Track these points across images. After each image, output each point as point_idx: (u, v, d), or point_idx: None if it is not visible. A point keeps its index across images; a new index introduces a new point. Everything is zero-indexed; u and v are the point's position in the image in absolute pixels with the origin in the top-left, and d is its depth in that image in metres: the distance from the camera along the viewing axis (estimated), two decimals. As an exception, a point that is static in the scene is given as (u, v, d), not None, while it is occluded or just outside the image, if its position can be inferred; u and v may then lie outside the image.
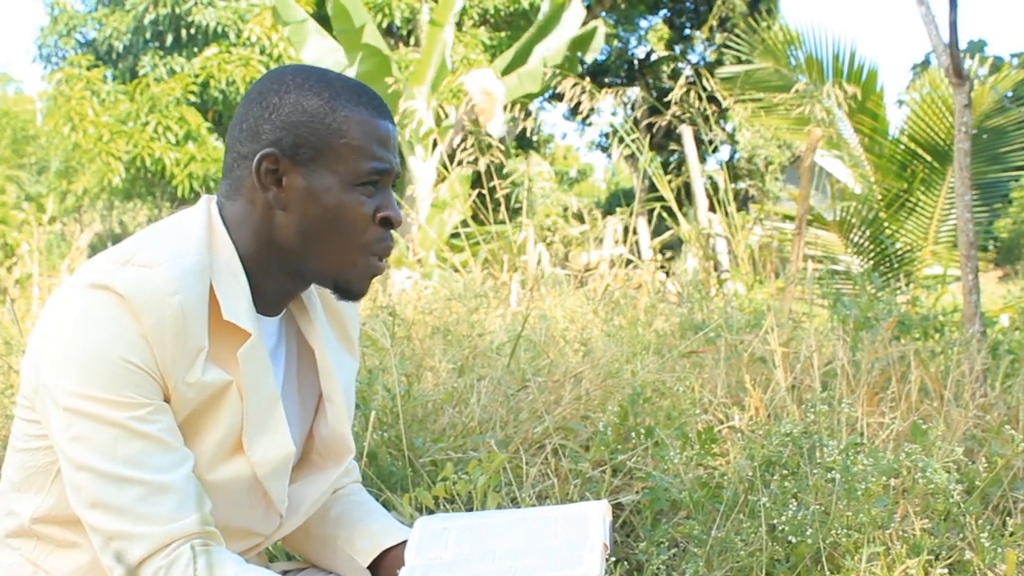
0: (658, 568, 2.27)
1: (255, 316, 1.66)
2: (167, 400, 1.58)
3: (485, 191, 7.61)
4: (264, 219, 1.66)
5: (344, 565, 1.92)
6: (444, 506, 2.53)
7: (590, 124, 23.26)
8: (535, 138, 15.83)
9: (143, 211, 19.46)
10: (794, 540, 2.28)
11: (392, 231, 1.73)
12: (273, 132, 1.64)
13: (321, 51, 11.85)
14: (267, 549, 2.11)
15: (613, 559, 1.77)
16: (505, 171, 11.02)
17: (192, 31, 16.48)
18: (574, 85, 7.44)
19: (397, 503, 2.54)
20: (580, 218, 9.62)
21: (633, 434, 2.86)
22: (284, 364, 1.82)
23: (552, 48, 11.36)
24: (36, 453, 1.67)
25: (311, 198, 1.64)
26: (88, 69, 16.11)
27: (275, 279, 1.71)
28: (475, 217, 9.37)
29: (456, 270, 8.15)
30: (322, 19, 15.79)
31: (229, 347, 1.62)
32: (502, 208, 6.83)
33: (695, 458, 2.60)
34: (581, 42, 11.50)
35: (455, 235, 10.92)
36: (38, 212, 14.94)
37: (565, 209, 11.79)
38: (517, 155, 12.77)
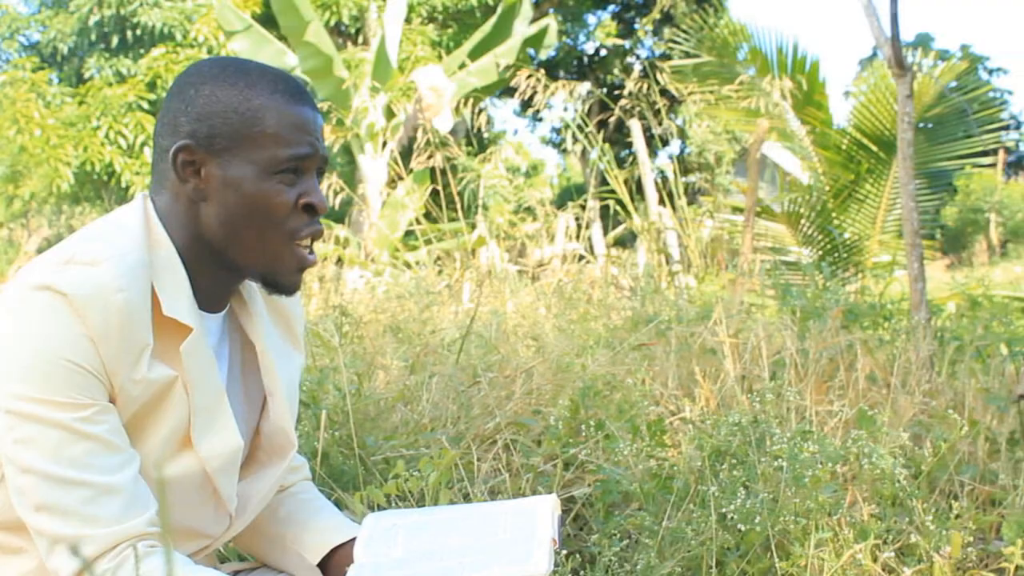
0: (610, 560, 2.28)
1: (196, 311, 1.65)
2: (113, 400, 1.56)
3: (439, 188, 7.60)
4: (189, 212, 1.65)
5: (294, 563, 1.91)
6: (396, 504, 2.53)
7: (541, 119, 23.33)
8: (486, 135, 15.83)
9: (92, 215, 19.25)
10: (743, 528, 2.30)
11: (320, 219, 1.72)
12: (189, 124, 1.63)
13: (267, 55, 11.79)
14: (217, 550, 2.09)
15: (565, 552, 1.78)
16: (458, 168, 11.02)
17: (138, 32, 16.31)
18: (529, 77, 7.45)
19: (349, 502, 2.54)
20: (533, 214, 9.63)
21: (584, 427, 2.87)
22: (228, 361, 1.80)
23: (505, 46, 11.37)
24: (-23, 459, 1.65)
25: (229, 188, 1.63)
26: (33, 72, 15.90)
27: (210, 272, 1.69)
28: (428, 215, 9.35)
29: (409, 267, 8.14)
30: (269, 18, 15.72)
31: (172, 343, 1.61)
32: (456, 206, 6.83)
33: (645, 450, 2.61)
34: (534, 40, 11.52)
35: (409, 233, 10.90)
36: (-15, 217, 14.76)
37: (519, 206, 11.79)
38: (470, 152, 12.76)
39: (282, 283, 1.71)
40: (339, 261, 8.56)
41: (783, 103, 8.27)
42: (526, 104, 8.20)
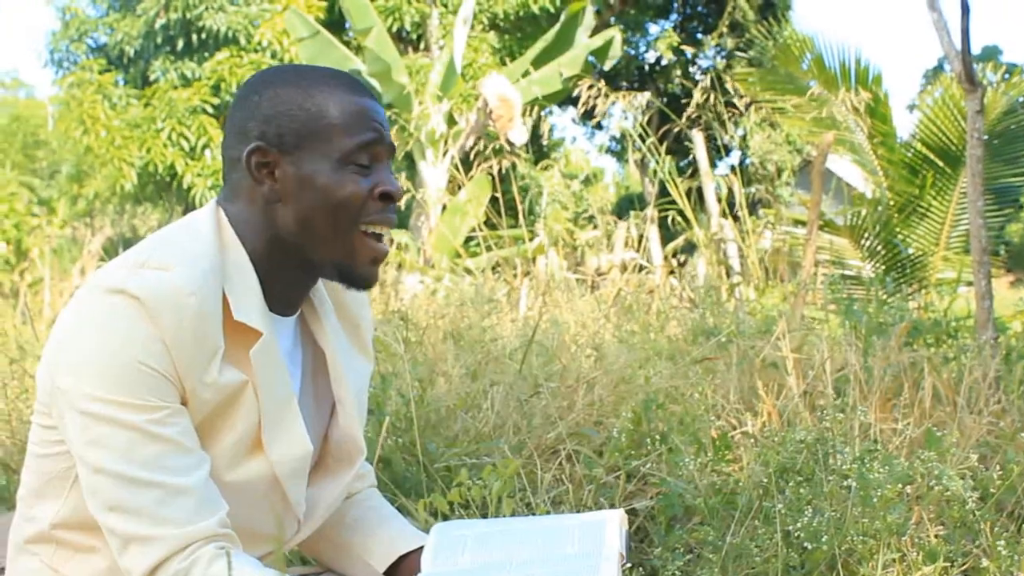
0: (673, 574, 2.27)
1: (267, 315, 1.67)
2: (184, 403, 1.58)
3: (499, 195, 7.61)
4: (265, 215, 1.67)
5: (360, 570, 1.93)
6: (459, 512, 2.54)
7: (600, 128, 23.27)
8: (546, 142, 15.83)
9: (154, 215, 19.50)
10: (809, 547, 2.28)
11: (394, 208, 1.73)
12: (257, 127, 1.65)
13: (332, 60, 11.87)
14: (290, 556, 2.11)
15: (628, 565, 1.77)
16: (518, 175, 11.03)
17: (203, 36, 16.51)
18: (591, 87, 7.45)
19: (412, 509, 2.55)
20: (592, 222, 9.61)
21: (647, 440, 2.86)
22: (301, 366, 1.82)
23: (568, 56, 11.37)
24: (54, 459, 1.68)
25: (305, 184, 1.65)
26: (100, 74, 16.14)
27: (284, 275, 1.71)
28: (488, 222, 9.37)
29: (470, 273, 8.15)
30: (333, 24, 15.85)
31: (243, 347, 1.63)
32: (515, 213, 6.83)
33: (709, 464, 2.60)
34: (598, 51, 11.52)
35: (468, 240, 10.93)
36: (50, 216, 14.99)
37: (577, 214, 11.79)
38: (528, 160, 12.75)
39: (358, 275, 1.73)
40: (399, 266, 8.60)
41: (847, 115, 8.20)
42: (587, 113, 8.20)
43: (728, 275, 7.19)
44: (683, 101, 7.24)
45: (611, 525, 1.76)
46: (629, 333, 4.76)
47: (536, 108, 9.28)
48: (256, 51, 16.18)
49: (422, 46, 16.99)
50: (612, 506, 2.72)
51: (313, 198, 1.65)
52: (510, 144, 8.76)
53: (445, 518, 2.44)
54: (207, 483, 1.59)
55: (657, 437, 2.83)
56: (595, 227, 9.60)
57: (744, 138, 12.40)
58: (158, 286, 1.54)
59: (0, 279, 11.97)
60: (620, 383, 3.53)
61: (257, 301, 1.66)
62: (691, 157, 9.79)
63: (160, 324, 1.53)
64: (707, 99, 7.38)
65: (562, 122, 41.67)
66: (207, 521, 1.57)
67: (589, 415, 3.33)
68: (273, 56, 15.94)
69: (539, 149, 17.38)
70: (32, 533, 1.74)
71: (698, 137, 8.20)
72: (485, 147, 7.72)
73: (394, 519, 1.98)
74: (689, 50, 22.23)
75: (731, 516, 2.49)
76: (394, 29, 16.74)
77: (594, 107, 7.58)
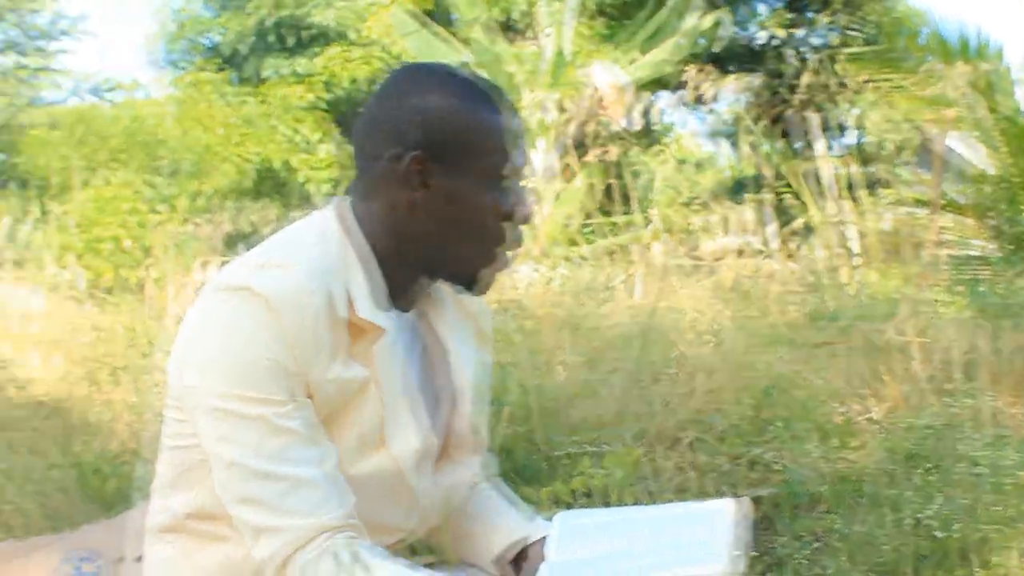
0: (800, 563, 2.25)
1: (380, 312, 1.69)
2: (310, 397, 1.61)
3: (612, 182, 7.57)
4: (404, 219, 1.69)
5: (484, 559, 1.93)
6: (580, 500, 2.54)
7: (711, 111, 22.99)
8: (656, 127, 15.72)
9: (272, 211, 19.86)
10: (940, 535, 2.23)
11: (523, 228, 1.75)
12: (416, 134, 1.66)
13: (439, 52, 11.94)
14: (416, 545, 2.14)
15: (753, 554, 1.75)
16: (631, 162, 10.96)
17: (312, 32, 16.74)
18: (699, 71, 7.37)
19: (534, 497, 2.56)
20: (706, 207, 9.52)
21: (769, 427, 2.83)
22: (420, 359, 1.84)
23: (675, 39, 11.24)
24: (186, 451, 1.72)
25: (454, 198, 1.66)
26: (215, 73, 16.49)
27: (408, 276, 1.73)
28: (601, 208, 9.34)
29: (584, 259, 8.14)
30: (438, 15, 15.94)
31: (365, 343, 1.65)
32: (628, 199, 6.79)
33: (833, 451, 2.56)
34: (706, 33, 11.37)
35: (581, 227, 10.91)
36: (171, 213, 15.37)
37: (690, 199, 11.69)
38: (639, 145, 12.66)
39: (479, 284, 1.74)
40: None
41: (967, 90, 7.97)
42: (698, 97, 8.12)
43: (848, 257, 7.05)
44: (795, 81, 7.10)
45: (734, 512, 1.74)
46: (747, 318, 4.71)
47: (645, 93, 9.22)
48: (365, 45, 16.35)
49: (529, 35, 16.99)
50: (735, 494, 2.69)
51: (459, 213, 1.67)
52: (622, 130, 8.72)
53: (568, 506, 2.45)
54: (335, 475, 1.62)
55: (779, 424, 2.80)
56: (709, 212, 9.51)
57: (860, 117, 12.15)
58: (280, 284, 1.57)
59: (126, 275, 12.32)
60: (740, 369, 3.50)
61: (381, 298, 1.68)
62: (805, 138, 9.62)
63: (282, 321, 1.56)
64: (820, 79, 7.24)
65: (672, 106, 41.23)
66: (335, 512, 1.59)
67: (709, 402, 3.30)
68: (382, 50, 16.10)
69: (649, 134, 17.28)
70: (166, 522, 1.78)
71: (812, 118, 8.06)
72: (596, 134, 7.68)
73: (516, 508, 1.98)
74: (800, 30, 21.82)
75: (857, 504, 2.45)
76: (501, 19, 16.77)
77: (703, 90, 7.50)
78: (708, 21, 11.41)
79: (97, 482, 2.79)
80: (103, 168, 16.89)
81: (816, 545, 2.39)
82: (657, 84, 10.91)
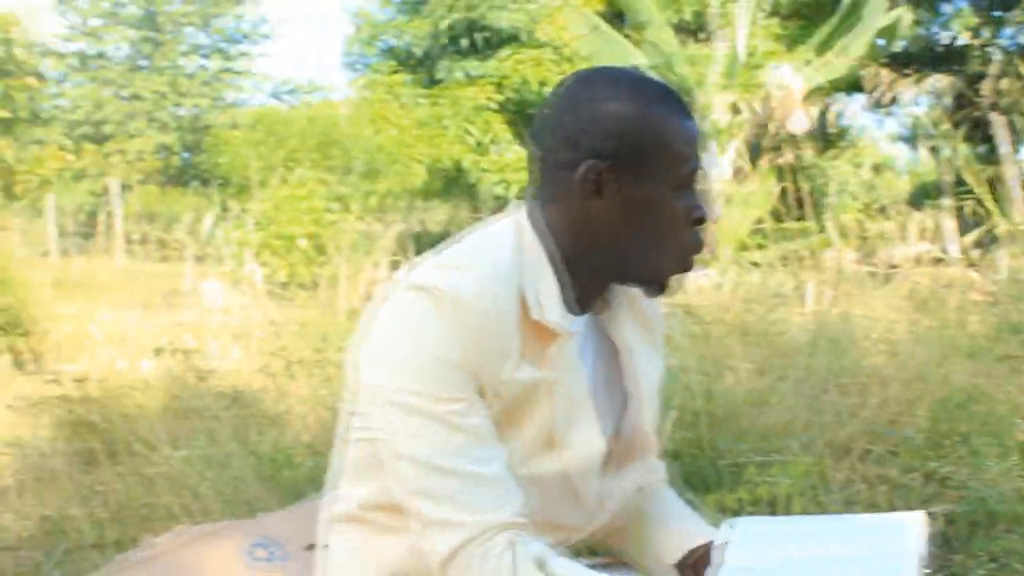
0: (977, 582, 2.17)
1: (565, 316, 1.70)
2: (483, 397, 1.64)
3: (787, 186, 7.44)
4: (583, 225, 1.70)
5: (651, 562, 1.93)
6: (746, 509, 2.51)
7: (890, 114, 22.34)
8: (833, 130, 15.35)
9: (442, 211, 20.16)
10: None
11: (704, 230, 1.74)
12: (593, 142, 1.66)
13: (612, 54, 11.93)
14: (583, 546, 2.15)
15: (928, 571, 1.70)
16: (807, 166, 10.74)
17: (486, 34, 16.92)
18: (876, 74, 7.17)
19: (698, 504, 2.53)
20: (884, 213, 9.26)
21: (947, 441, 2.74)
22: (593, 361, 1.85)
23: (854, 39, 10.95)
24: (365, 444, 1.77)
25: (633, 205, 1.67)
26: (389, 75, 16.84)
27: (585, 280, 1.74)
28: (774, 213, 9.18)
29: (757, 266, 8.02)
30: (612, 17, 15.91)
31: (540, 346, 1.67)
32: (803, 204, 6.66)
33: (1015, 469, 2.46)
34: (885, 32, 11.03)
35: (754, 232, 10.75)
36: (345, 212, 15.76)
37: (867, 205, 11.38)
38: (816, 149, 12.39)
39: (662, 285, 1.74)
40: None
41: None
42: (878, 100, 7.90)
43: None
44: (981, 83, 6.84)
45: (913, 527, 1.70)
46: (926, 328, 4.56)
47: (822, 95, 9.01)
48: (538, 47, 16.45)
49: (703, 36, 16.82)
50: (908, 508, 2.62)
51: (640, 220, 1.68)
52: (797, 134, 8.55)
53: (734, 514, 2.41)
54: (506, 474, 1.65)
55: (957, 438, 2.70)
56: (887, 218, 9.25)
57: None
58: (459, 285, 1.60)
59: (300, 272, 12.68)
60: (916, 381, 3.39)
61: (556, 302, 1.69)
62: (991, 143, 9.26)
63: (460, 321, 1.59)
64: (1007, 80, 6.96)
65: (851, 109, 40.27)
66: (505, 510, 1.62)
67: (883, 413, 3.21)
68: (553, 51, 16.17)
69: (826, 137, 16.91)
70: (343, 513, 1.84)
71: (998, 121, 7.76)
72: (771, 137, 7.56)
73: (686, 513, 1.98)
74: (986, 30, 21.02)
75: (1040, 525, 2.35)
76: (674, 20, 16.65)
77: (883, 92, 7.29)
78: (887, 20, 11.07)
79: (272, 472, 2.88)
80: (281, 168, 17.42)
81: (993, 565, 2.30)
82: (836, 86, 10.63)
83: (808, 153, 7.15)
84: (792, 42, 15.91)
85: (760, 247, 9.27)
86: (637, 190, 1.66)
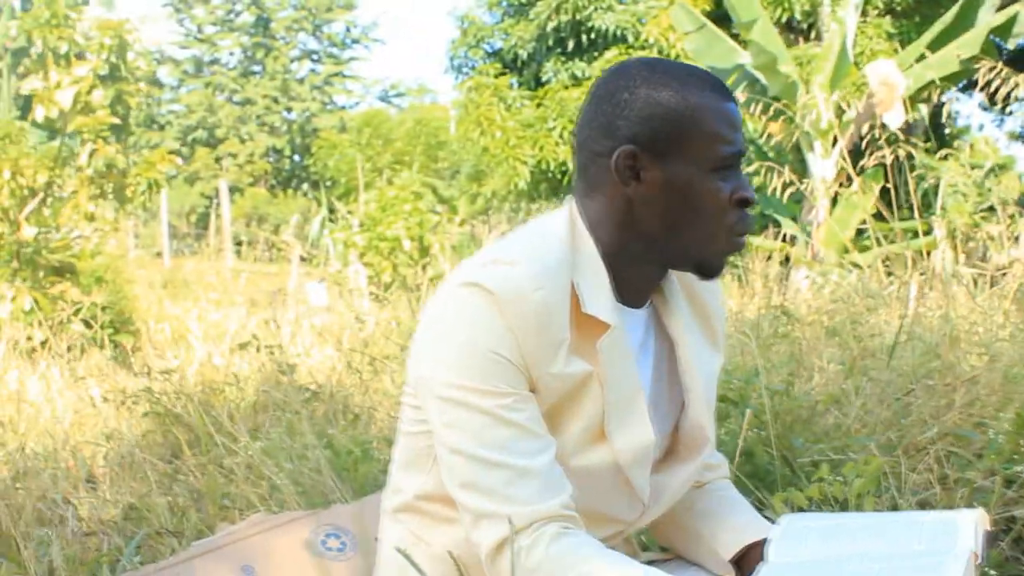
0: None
1: (616, 308, 1.71)
2: (533, 390, 1.66)
3: (890, 187, 7.29)
4: (625, 213, 1.71)
5: (708, 558, 1.93)
6: (818, 508, 2.47)
7: (1010, 113, 21.75)
8: (948, 130, 15.01)
9: (547, 211, 20.18)
10: None
11: (750, 212, 1.73)
12: (628, 127, 1.68)
13: (718, 53, 11.83)
14: (638, 540, 2.15)
15: (985, 568, 1.65)
16: (915, 166, 10.50)
17: (592, 36, 16.92)
18: (991, 69, 7.00)
19: (769, 502, 2.51)
20: (995, 214, 9.01)
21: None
22: (654, 356, 1.85)
23: (967, 36, 10.70)
24: (419, 437, 1.81)
25: (671, 189, 1.68)
26: (495, 77, 16.95)
27: (636, 270, 1.76)
28: (879, 214, 9.01)
29: (859, 268, 7.87)
30: (719, 16, 15.77)
31: (590, 339, 1.69)
32: (911, 205, 6.51)
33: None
34: (1000, 29, 10.75)
35: (859, 233, 10.57)
36: (450, 214, 15.94)
37: (977, 204, 11.09)
38: (928, 149, 12.14)
39: (712, 267, 1.76)
40: (785, 260, 8.45)
41: None
42: (992, 97, 7.70)
43: None
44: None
45: (966, 523, 1.67)
46: (1027, 331, 4.41)
47: (936, 93, 8.81)
48: (643, 48, 16.40)
49: (813, 35, 16.59)
50: (986, 511, 2.55)
51: (680, 203, 1.69)
52: (904, 132, 8.37)
53: (801, 512, 2.38)
54: (553, 466, 1.66)
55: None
56: (998, 220, 9.00)
57: None
58: (507, 280, 1.63)
59: (404, 273, 12.84)
60: (1009, 384, 3.29)
61: (606, 294, 1.71)
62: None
63: (508, 316, 1.62)
64: None
65: (968, 109, 39.29)
66: (551, 502, 1.64)
67: (969, 416, 3.13)
68: (659, 52, 16.10)
69: (941, 137, 16.53)
70: (399, 503, 1.88)
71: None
72: (877, 136, 7.42)
73: (744, 510, 1.97)
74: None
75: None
76: (783, 19, 16.45)
77: (996, 91, 7.11)
78: (1002, 17, 10.78)
79: (349, 464, 2.93)
80: (387, 170, 17.69)
81: (1072, 571, 2.23)
82: (946, 83, 10.37)
83: (913, 151, 6.98)
84: (906, 41, 15.60)
85: (861, 249, 9.10)
86: (673, 172, 1.67)
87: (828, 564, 1.66)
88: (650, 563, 2.00)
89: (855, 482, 2.32)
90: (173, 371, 4.13)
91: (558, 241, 1.71)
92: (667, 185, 1.68)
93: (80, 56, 9.38)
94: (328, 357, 4.58)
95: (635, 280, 1.78)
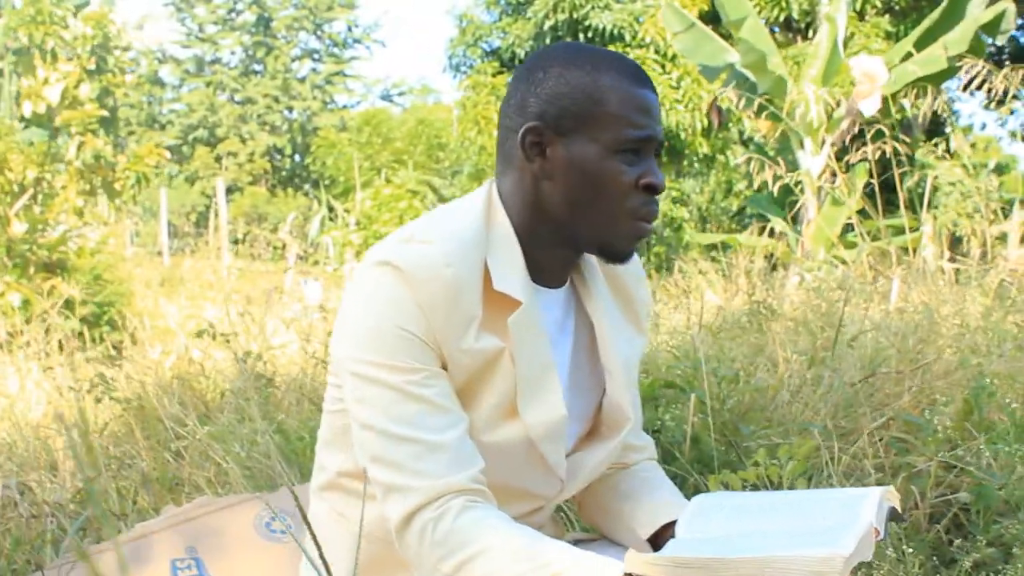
0: (969, 568, 2.13)
1: (528, 286, 1.74)
2: (444, 367, 1.69)
3: (883, 183, 7.31)
4: (532, 190, 1.74)
5: (628, 537, 1.96)
6: (753, 490, 2.49)
7: (1012, 112, 21.71)
8: (948, 129, 14.99)
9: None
10: None
11: (657, 200, 1.75)
12: (538, 105, 1.72)
13: (707, 52, 11.83)
14: (565, 520, 2.17)
15: (882, 539, 1.67)
16: (903, 161, 10.47)
17: (589, 35, 16.94)
18: (979, 68, 7.00)
19: (704, 486, 2.53)
20: (997, 214, 8.99)
21: (975, 431, 2.69)
22: (573, 336, 1.88)
23: (954, 32, 10.68)
24: (340, 415, 1.84)
25: (573, 167, 1.70)
26: (493, 76, 16.97)
27: (548, 248, 1.78)
28: (861, 212, 9.02)
29: (841, 262, 7.88)
30: (716, 16, 15.78)
31: (502, 316, 1.72)
32: (901, 201, 6.53)
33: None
34: (988, 26, 10.73)
35: (849, 230, 10.58)
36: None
37: (960, 202, 11.11)
38: (914, 145, 12.10)
39: (617, 251, 1.78)
40: (769, 256, 8.46)
41: None
42: (998, 98, 7.69)
43: None
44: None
45: (871, 499, 1.69)
46: (998, 323, 4.43)
47: (933, 91, 8.79)
48: (640, 47, 16.40)
49: (811, 34, 16.58)
50: (922, 495, 2.58)
51: (580, 182, 1.72)
52: (902, 130, 8.38)
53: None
54: (463, 441, 1.69)
55: (981, 426, 2.65)
56: (990, 220, 8.99)
57: None
58: (418, 258, 1.66)
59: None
60: (959, 370, 3.32)
61: (519, 272, 1.74)
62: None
63: (419, 293, 1.65)
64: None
65: (969, 108, 39.22)
66: (459, 475, 1.66)
67: (919, 403, 3.16)
68: (656, 51, 16.11)
69: (942, 135, 16.50)
70: (323, 481, 1.91)
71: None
72: (863, 131, 7.43)
73: (664, 490, 1.99)
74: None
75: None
76: (781, 18, 16.46)
77: (991, 89, 7.11)
78: (990, 13, 10.75)
79: (299, 449, 2.96)
80: (386, 168, 17.70)
81: (990, 550, 2.25)
82: (932, 80, 10.34)
83: (899, 147, 6.98)
84: (897, 37, 15.59)
85: (847, 246, 9.12)
86: (576, 151, 1.70)
87: (731, 539, 1.69)
88: (575, 542, 2.03)
89: (788, 465, 2.35)
90: (147, 364, 4.18)
91: (473, 219, 1.73)
92: (569, 163, 1.70)
93: (71, 57, 9.40)
94: (298, 350, 4.62)
95: (549, 260, 1.80)
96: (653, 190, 1.72)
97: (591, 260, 1.89)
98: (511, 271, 1.72)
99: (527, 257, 1.76)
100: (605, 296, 1.90)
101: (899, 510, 1.76)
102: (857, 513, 1.66)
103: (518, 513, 1.81)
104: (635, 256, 1.94)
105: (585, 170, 1.70)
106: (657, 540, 1.90)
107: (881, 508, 1.68)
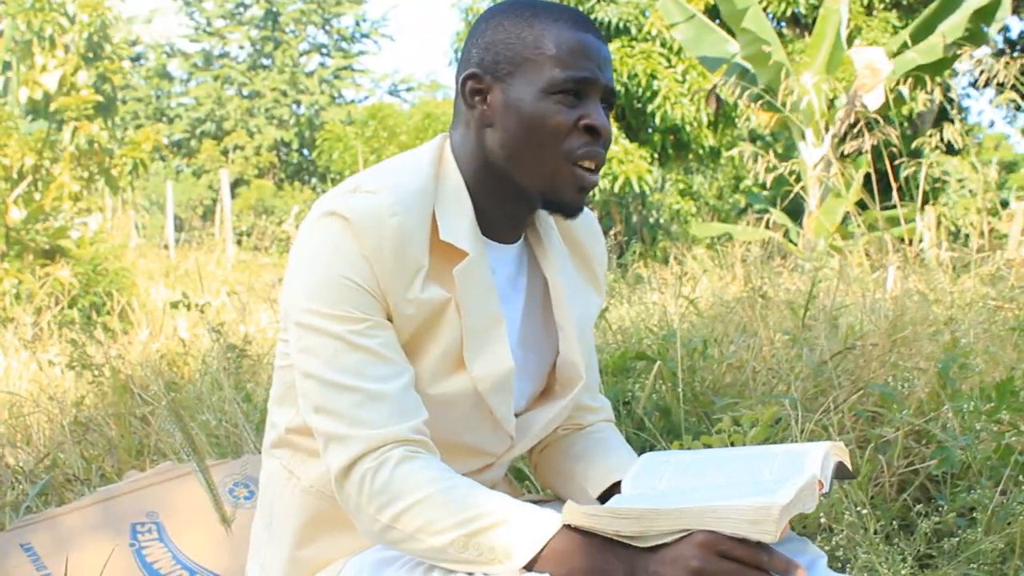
0: (928, 532, 2.12)
1: (477, 238, 1.73)
2: (390, 317, 1.68)
3: (885, 174, 7.29)
4: (477, 139, 1.74)
5: (581, 497, 1.95)
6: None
7: (1019, 108, 21.63)
8: (957, 124, 14.94)
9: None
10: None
11: (602, 144, 1.73)
12: (478, 53, 1.73)
13: (708, 43, 11.81)
14: (527, 485, 2.16)
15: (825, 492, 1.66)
16: (899, 153, 10.44)
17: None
18: (983, 59, 6.97)
19: (663, 450, 2.53)
20: (980, 203, 8.97)
21: (944, 403, 2.68)
22: (526, 292, 1.87)
23: (951, 21, 10.62)
24: (289, 370, 1.83)
25: (510, 110, 1.70)
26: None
27: (497, 200, 1.77)
28: (859, 203, 8.99)
29: (837, 251, 7.87)
30: (717, 8, 15.78)
31: (448, 266, 1.71)
32: (904, 192, 6.52)
33: (989, 415, 2.39)
34: (983, 13, 10.67)
35: (844, 220, 10.56)
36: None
37: (966, 192, 11.08)
38: (907, 135, 12.05)
39: (562, 202, 1.75)
40: (763, 245, 8.44)
41: None
42: (984, 84, 7.66)
43: None
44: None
45: (816, 452, 1.68)
46: (981, 305, 4.42)
47: (940, 88, 8.75)
48: (646, 40, 16.37)
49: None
50: (889, 464, 2.57)
51: (517, 124, 1.71)
52: (866, 113, 8.34)
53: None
54: (406, 392, 1.68)
55: (949, 394, 2.64)
56: (991, 213, 8.96)
57: None
58: (364, 207, 1.65)
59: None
60: (930, 344, 3.31)
61: (467, 224, 1.73)
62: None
63: (363, 242, 1.64)
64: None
65: (979, 105, 39.09)
66: (401, 425, 1.65)
67: (895, 378, 3.15)
68: (662, 44, 16.07)
69: (936, 123, 16.44)
70: (274, 438, 1.90)
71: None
72: (857, 121, 7.41)
73: (617, 450, 1.99)
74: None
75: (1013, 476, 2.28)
76: (788, 13, 16.42)
77: (1000, 84, 7.08)
78: (986, 2, 10.70)
79: (264, 416, 2.96)
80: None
81: (952, 515, 2.24)
82: (929, 70, 10.28)
83: (892, 136, 6.95)
84: (900, 29, 15.53)
85: (844, 236, 9.10)
86: (512, 94, 1.70)
87: (675, 493, 1.68)
88: (536, 503, 2.03)
89: (751, 431, 2.34)
90: (132, 340, 4.20)
91: (420, 169, 1.73)
92: (506, 107, 1.70)
93: (68, 45, 9.41)
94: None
95: (500, 215, 1.79)
96: (594, 132, 1.70)
97: (547, 218, 1.88)
98: (458, 222, 1.72)
99: (478, 211, 1.75)
100: (561, 255, 1.89)
101: (848, 466, 1.75)
102: (802, 465, 1.65)
103: (467, 469, 1.79)
104: (589, 212, 1.93)
105: (521, 111, 1.69)
106: (606, 499, 1.89)
107: (827, 461, 1.67)
